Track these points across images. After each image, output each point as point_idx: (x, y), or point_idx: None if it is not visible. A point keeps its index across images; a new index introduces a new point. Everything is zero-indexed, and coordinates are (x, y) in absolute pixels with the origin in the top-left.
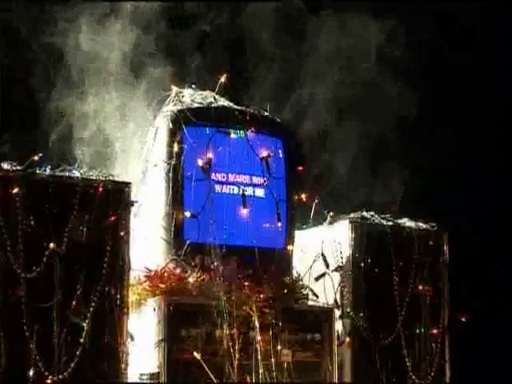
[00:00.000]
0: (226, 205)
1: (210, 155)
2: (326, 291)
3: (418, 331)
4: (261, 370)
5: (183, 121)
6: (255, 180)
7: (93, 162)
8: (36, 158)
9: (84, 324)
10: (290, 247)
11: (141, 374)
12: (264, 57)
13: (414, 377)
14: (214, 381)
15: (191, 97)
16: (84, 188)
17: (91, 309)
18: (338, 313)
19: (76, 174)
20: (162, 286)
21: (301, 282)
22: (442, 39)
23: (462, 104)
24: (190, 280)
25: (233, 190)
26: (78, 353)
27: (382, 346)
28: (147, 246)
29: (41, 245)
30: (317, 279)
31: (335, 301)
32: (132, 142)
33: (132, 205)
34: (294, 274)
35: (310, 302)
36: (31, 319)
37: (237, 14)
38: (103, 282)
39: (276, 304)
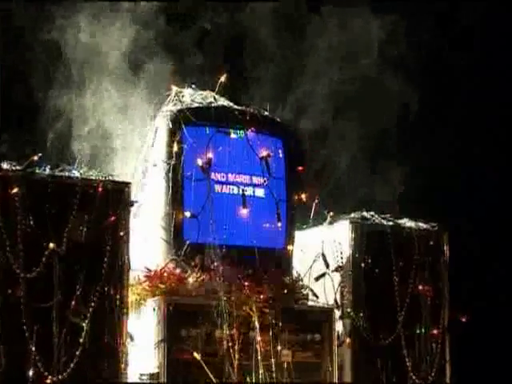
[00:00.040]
0: (225, 205)
1: (210, 155)
2: (326, 291)
3: (418, 331)
4: (261, 371)
5: (183, 120)
6: (255, 180)
7: (92, 162)
8: (35, 157)
9: (84, 324)
10: (290, 247)
11: (141, 374)
12: (264, 55)
13: (414, 377)
14: (214, 381)
15: (191, 96)
16: (84, 188)
17: (91, 309)
18: (338, 313)
19: (75, 173)
20: (162, 286)
21: (301, 282)
22: (441, 39)
23: (462, 104)
24: (190, 280)
25: (233, 190)
26: (77, 353)
27: (383, 347)
28: (147, 246)
29: (40, 245)
30: (317, 279)
31: (335, 301)
32: (132, 142)
33: (132, 205)
34: (294, 274)
35: (310, 303)
36: (31, 319)
37: (236, 13)
38: (103, 282)
39: (276, 304)
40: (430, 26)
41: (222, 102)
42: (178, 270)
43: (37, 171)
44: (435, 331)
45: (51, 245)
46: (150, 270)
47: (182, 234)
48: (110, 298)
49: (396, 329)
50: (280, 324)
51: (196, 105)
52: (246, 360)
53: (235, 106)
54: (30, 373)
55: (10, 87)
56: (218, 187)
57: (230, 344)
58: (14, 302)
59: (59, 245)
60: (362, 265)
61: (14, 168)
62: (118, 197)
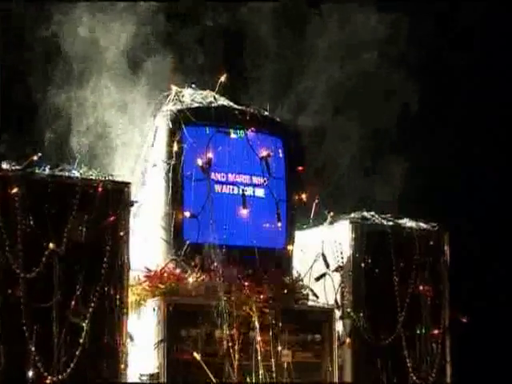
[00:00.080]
0: (225, 205)
1: (210, 155)
2: (326, 291)
3: (418, 331)
4: (261, 371)
5: (183, 120)
6: (255, 180)
7: (93, 162)
8: (35, 157)
9: (83, 324)
10: (290, 247)
11: (141, 375)
12: (264, 54)
13: (414, 377)
14: (214, 381)
15: (191, 96)
16: (83, 188)
17: (91, 309)
18: (338, 313)
19: (75, 173)
20: (162, 286)
21: (301, 283)
22: (441, 39)
23: (462, 104)
24: (190, 280)
25: (233, 189)
26: (77, 353)
27: (383, 347)
28: (147, 246)
29: (40, 245)
30: (317, 279)
31: (335, 301)
32: (132, 142)
33: (132, 205)
34: (294, 274)
35: (310, 303)
36: (30, 319)
37: (236, 12)
38: (103, 282)
39: (276, 304)
40: (430, 25)
41: (222, 101)
42: (177, 270)
43: (36, 171)
44: (435, 331)
45: (51, 245)
46: (149, 270)
47: (182, 234)
48: (109, 298)
49: (396, 329)
50: (280, 324)
51: (196, 105)
52: (246, 360)
53: (235, 106)
54: (30, 373)
55: (8, 87)
56: (218, 187)
57: (230, 344)
58: (13, 302)
59: (59, 245)
60: (363, 265)
61: (13, 168)
62: (117, 197)
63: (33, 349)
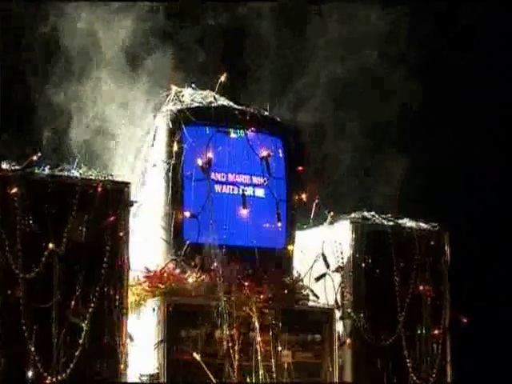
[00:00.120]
0: (225, 205)
1: (210, 155)
2: (326, 292)
3: (418, 332)
4: (261, 371)
5: (183, 120)
6: (255, 180)
7: (93, 162)
8: (35, 157)
9: (83, 324)
10: (290, 247)
11: (141, 375)
12: (264, 53)
13: (414, 377)
14: (214, 381)
15: (191, 96)
16: (83, 188)
17: (90, 309)
18: (338, 313)
19: (75, 173)
20: (162, 286)
21: (301, 283)
22: (441, 39)
23: (462, 104)
24: (190, 280)
25: (233, 190)
26: (77, 353)
27: (383, 347)
28: (147, 246)
29: (40, 245)
30: (317, 280)
31: (336, 301)
32: (132, 142)
33: (131, 205)
34: (295, 274)
35: (311, 303)
36: (30, 320)
37: (236, 11)
38: (102, 282)
39: (276, 304)
40: (430, 25)
41: (222, 101)
42: (177, 270)
43: (36, 171)
44: (436, 331)
45: (51, 245)
46: (149, 271)
47: (182, 234)
48: (109, 299)
49: (397, 329)
50: (280, 324)
51: (196, 104)
52: (246, 360)
53: (235, 106)
54: (30, 373)
55: (8, 87)
56: (217, 187)
57: (230, 344)
58: (13, 302)
59: (59, 245)
60: (363, 265)
61: (13, 168)
62: (117, 197)
63: (32, 349)
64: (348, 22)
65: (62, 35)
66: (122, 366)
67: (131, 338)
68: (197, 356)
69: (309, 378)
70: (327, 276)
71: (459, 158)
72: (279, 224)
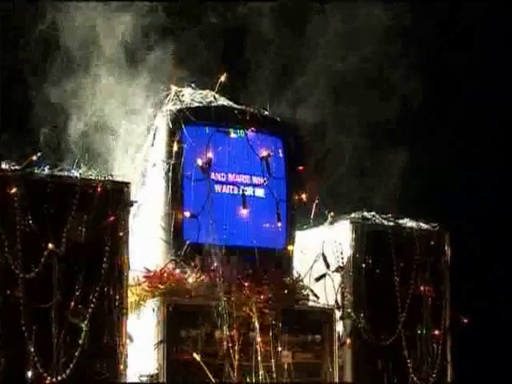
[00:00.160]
0: (225, 205)
1: (210, 155)
2: (326, 292)
3: (419, 332)
4: (261, 371)
5: (183, 120)
6: (255, 180)
7: (93, 161)
8: (34, 157)
9: (83, 325)
10: (290, 247)
11: (140, 375)
12: (264, 52)
13: (415, 378)
14: (214, 382)
15: (191, 96)
16: (83, 188)
17: (90, 309)
18: (338, 314)
19: (75, 173)
20: (162, 286)
21: (301, 283)
22: (441, 39)
23: (462, 104)
24: (190, 281)
25: (233, 189)
26: (76, 354)
27: (383, 347)
28: (146, 246)
29: (39, 245)
30: (317, 280)
31: (336, 301)
32: (132, 141)
33: (131, 205)
34: (295, 274)
35: (311, 303)
36: (30, 320)
37: (236, 10)
38: (102, 282)
39: (276, 305)
40: (430, 25)
41: (222, 101)
42: (177, 271)
43: (36, 171)
44: (436, 332)
45: (50, 245)
46: (149, 271)
47: (182, 234)
48: (109, 299)
49: (397, 329)
50: (280, 325)
51: (196, 104)
52: (246, 361)
53: (235, 106)
54: (29, 374)
55: (7, 87)
56: (217, 187)
57: (230, 345)
58: (13, 302)
59: (58, 245)
60: (363, 265)
61: (12, 168)
62: (117, 197)
63: (32, 349)
64: (348, 22)
65: (62, 35)
66: (121, 367)
67: (131, 339)
68: (197, 356)
69: (309, 379)
70: (327, 276)
71: (459, 158)
72: (279, 224)
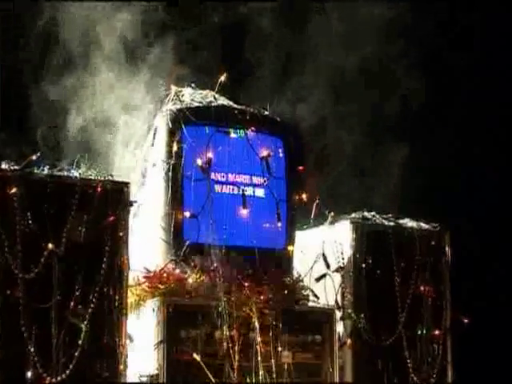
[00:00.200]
0: (225, 205)
1: (210, 155)
2: (326, 292)
3: (419, 332)
4: (261, 372)
5: (183, 120)
6: (255, 180)
7: (93, 161)
8: (34, 157)
9: (83, 325)
10: (290, 248)
11: (140, 376)
12: (264, 51)
13: (415, 378)
14: (214, 382)
15: (191, 96)
16: (83, 188)
17: (90, 310)
18: (338, 314)
19: (74, 173)
20: (162, 286)
21: (301, 283)
22: (441, 39)
23: (462, 104)
24: (190, 281)
25: (233, 189)
26: (76, 354)
27: (384, 347)
28: (146, 246)
29: (39, 245)
30: (317, 280)
31: (336, 302)
32: (132, 141)
33: (131, 205)
34: (295, 274)
35: (311, 303)
36: (29, 320)
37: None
38: (102, 282)
39: (276, 305)
40: (430, 25)
41: (222, 101)
42: (177, 271)
43: (35, 171)
44: (437, 332)
45: (50, 245)
46: (149, 271)
47: (182, 234)
48: (109, 299)
49: (397, 329)
50: (280, 325)
51: (196, 104)
52: (246, 361)
53: (235, 106)
54: (29, 374)
55: (9, 87)
56: (217, 187)
57: (230, 345)
58: (12, 302)
59: (58, 245)
60: (363, 265)
61: (12, 168)
62: (117, 197)
63: (32, 349)
64: (348, 21)
65: (61, 33)
66: (121, 367)
67: (131, 339)
68: (197, 356)
69: (309, 379)
70: (327, 276)
71: (459, 158)
72: (279, 224)
